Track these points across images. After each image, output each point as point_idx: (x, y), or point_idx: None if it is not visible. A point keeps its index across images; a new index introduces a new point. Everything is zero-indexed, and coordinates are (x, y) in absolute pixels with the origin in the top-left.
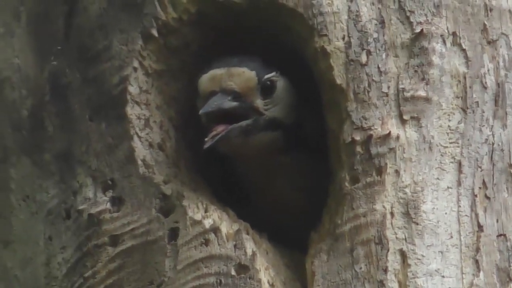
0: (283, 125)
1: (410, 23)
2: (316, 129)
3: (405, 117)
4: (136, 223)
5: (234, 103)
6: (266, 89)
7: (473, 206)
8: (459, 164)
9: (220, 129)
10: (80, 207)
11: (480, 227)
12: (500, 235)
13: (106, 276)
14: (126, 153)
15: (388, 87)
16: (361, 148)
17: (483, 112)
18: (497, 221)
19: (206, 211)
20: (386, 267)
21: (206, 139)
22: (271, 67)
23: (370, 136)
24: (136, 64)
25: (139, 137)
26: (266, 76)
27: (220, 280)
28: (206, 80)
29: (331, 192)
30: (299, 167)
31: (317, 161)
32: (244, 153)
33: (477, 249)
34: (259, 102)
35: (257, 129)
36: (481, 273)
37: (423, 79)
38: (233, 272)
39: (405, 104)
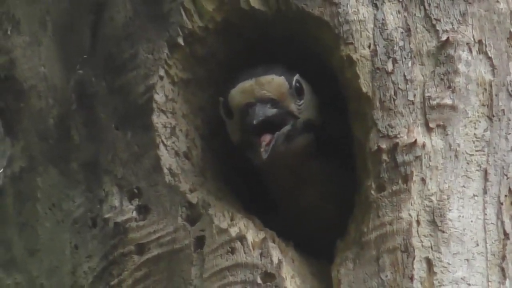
0: (315, 127)
1: (436, 31)
2: (342, 135)
3: (431, 125)
4: (162, 232)
5: (275, 110)
6: (298, 91)
7: (499, 214)
8: (485, 172)
9: (268, 138)
10: (106, 216)
11: (506, 235)
12: None
13: (132, 285)
14: (152, 162)
15: (414, 95)
16: (387, 156)
17: (509, 120)
18: None
19: (232, 219)
20: (412, 275)
21: (262, 149)
22: (293, 71)
23: (396, 144)
24: (162, 72)
25: (165, 145)
26: (295, 78)
27: None
28: (237, 93)
29: (357, 201)
30: (328, 174)
31: (344, 169)
32: (284, 161)
33: (503, 257)
34: (293, 106)
35: (296, 133)
36: (507, 281)
37: (449, 87)
38: (259, 281)
39: (431, 112)
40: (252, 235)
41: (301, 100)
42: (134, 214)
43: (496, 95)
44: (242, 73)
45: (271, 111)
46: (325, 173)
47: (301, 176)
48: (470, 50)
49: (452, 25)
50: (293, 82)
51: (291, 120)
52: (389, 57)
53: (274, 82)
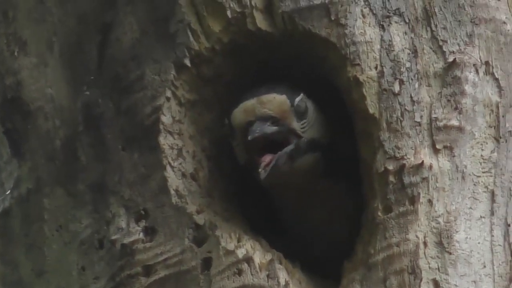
0: (321, 146)
1: (443, 53)
2: (350, 156)
3: (438, 146)
4: (169, 253)
5: (275, 128)
6: (300, 110)
7: (506, 236)
8: (492, 193)
9: (269, 158)
10: (113, 237)
11: None
12: None
13: None
14: (159, 183)
15: (421, 117)
16: (394, 178)
17: None
18: None
19: (239, 241)
20: None
21: (260, 170)
22: (297, 90)
23: (403, 166)
24: (169, 94)
25: (172, 167)
26: (297, 98)
27: None
28: (239, 113)
29: (364, 222)
30: (336, 195)
31: (353, 189)
32: (289, 180)
33: (510, 279)
34: (295, 125)
35: (300, 153)
36: None
37: (456, 108)
38: None
39: (438, 134)
40: (259, 256)
41: (304, 119)
42: (141, 235)
43: (503, 117)
44: (246, 93)
45: (270, 128)
46: (333, 194)
47: (309, 196)
48: (477, 71)
49: (459, 46)
50: (296, 101)
51: (294, 139)
52: (396, 78)
53: (275, 101)
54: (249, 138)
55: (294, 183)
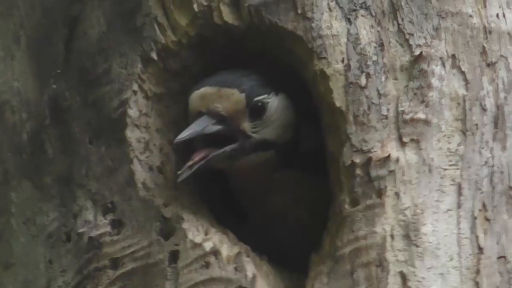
0: (275, 145)
1: (410, 46)
2: (317, 148)
3: (404, 139)
4: (137, 246)
5: (217, 127)
6: (255, 112)
7: (473, 228)
8: (459, 186)
9: (199, 156)
10: (80, 230)
11: (480, 249)
12: (500, 257)
13: None
14: (126, 176)
15: (388, 110)
16: (360, 171)
17: (483, 134)
18: (497, 243)
19: (206, 233)
20: None
21: (179, 172)
22: (267, 86)
23: (370, 159)
24: (135, 87)
25: (139, 160)
26: (256, 99)
27: None
28: (196, 98)
29: (331, 215)
30: (296, 185)
31: (319, 181)
32: (235, 171)
33: (477, 271)
34: (246, 125)
35: (244, 153)
36: None
37: (422, 101)
38: None
39: (405, 127)
40: (227, 249)
41: (258, 120)
42: (109, 228)
43: (469, 110)
44: (215, 75)
45: (211, 128)
46: (293, 184)
47: (267, 185)
48: (444, 65)
49: (426, 40)
50: (253, 101)
51: (240, 139)
52: (362, 72)
53: (231, 98)
54: (177, 138)
55: (245, 173)
